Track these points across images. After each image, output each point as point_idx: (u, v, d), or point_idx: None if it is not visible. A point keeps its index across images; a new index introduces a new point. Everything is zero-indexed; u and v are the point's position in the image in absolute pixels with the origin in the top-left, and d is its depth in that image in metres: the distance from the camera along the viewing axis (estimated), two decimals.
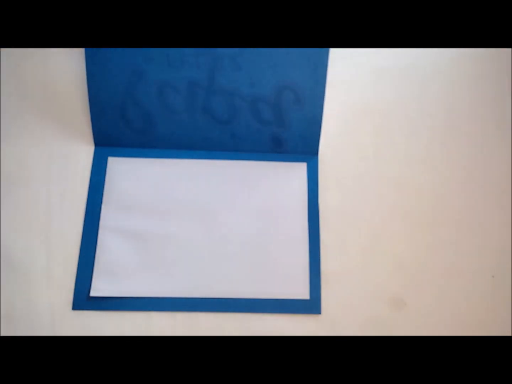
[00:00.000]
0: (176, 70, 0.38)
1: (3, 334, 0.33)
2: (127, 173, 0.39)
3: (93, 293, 0.35)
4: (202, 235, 0.37)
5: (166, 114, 0.39)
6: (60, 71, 0.39)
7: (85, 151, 0.39)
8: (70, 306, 0.35)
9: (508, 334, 0.36)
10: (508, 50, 0.46)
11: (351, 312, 0.36)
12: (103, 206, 0.38)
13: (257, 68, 0.38)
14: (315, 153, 0.41)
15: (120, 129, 0.39)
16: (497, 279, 0.39)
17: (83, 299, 0.35)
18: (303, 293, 0.36)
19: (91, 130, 0.39)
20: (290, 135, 0.40)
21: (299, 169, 0.40)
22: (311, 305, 0.36)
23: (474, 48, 0.45)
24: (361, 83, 0.43)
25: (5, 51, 0.39)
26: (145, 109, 0.39)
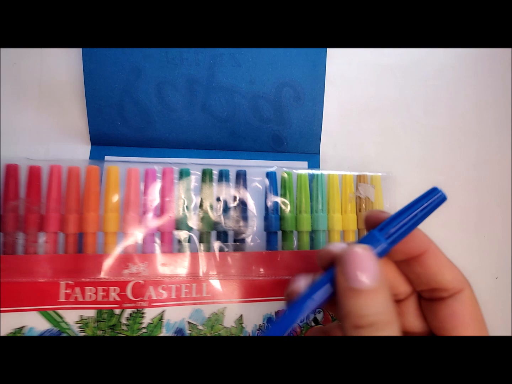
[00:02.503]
0: (175, 67, 0.37)
1: None
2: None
3: None
4: None
5: (165, 112, 0.39)
6: (57, 69, 0.39)
7: (82, 150, 0.38)
8: None
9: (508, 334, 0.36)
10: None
11: None
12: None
13: (256, 64, 0.38)
14: (317, 152, 0.40)
15: (118, 127, 0.38)
16: (501, 280, 0.39)
17: None
18: None
19: (87, 129, 0.39)
20: (291, 133, 0.40)
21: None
22: None
23: (476, 48, 0.45)
24: (363, 81, 0.43)
25: (2, 50, 0.38)
26: (143, 107, 0.38)
